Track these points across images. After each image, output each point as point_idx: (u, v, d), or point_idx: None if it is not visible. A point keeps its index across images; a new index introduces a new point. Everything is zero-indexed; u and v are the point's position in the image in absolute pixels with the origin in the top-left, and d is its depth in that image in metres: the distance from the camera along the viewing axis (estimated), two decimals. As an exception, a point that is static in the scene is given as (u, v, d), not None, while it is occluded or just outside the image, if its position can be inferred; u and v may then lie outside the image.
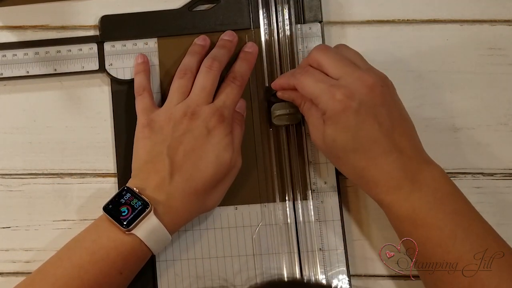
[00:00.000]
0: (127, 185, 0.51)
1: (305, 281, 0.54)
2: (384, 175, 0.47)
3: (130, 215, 0.49)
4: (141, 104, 0.55)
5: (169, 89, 0.55)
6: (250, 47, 0.57)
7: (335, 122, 0.48)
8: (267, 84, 0.57)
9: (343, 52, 0.52)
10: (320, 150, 0.53)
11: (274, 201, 0.57)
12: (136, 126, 0.54)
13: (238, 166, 0.53)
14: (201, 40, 0.57)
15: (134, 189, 0.50)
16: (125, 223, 0.49)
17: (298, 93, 0.52)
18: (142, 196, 0.49)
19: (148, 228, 0.49)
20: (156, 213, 0.49)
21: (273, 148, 0.57)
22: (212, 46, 0.57)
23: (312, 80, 0.50)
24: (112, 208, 0.50)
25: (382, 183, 0.48)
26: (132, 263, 0.50)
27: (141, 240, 0.49)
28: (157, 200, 0.50)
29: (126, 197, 0.50)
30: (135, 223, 0.49)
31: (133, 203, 0.49)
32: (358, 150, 0.48)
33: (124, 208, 0.49)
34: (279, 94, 0.54)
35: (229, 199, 0.56)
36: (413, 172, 0.47)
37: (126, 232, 0.49)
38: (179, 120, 0.52)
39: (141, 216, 0.49)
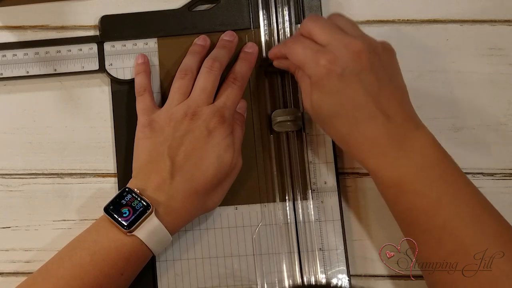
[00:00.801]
0: (128, 185, 0.51)
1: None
2: (368, 140, 0.47)
3: (131, 216, 0.49)
4: (141, 104, 0.55)
5: (169, 90, 0.55)
6: (250, 47, 0.57)
7: (319, 87, 0.48)
8: (264, 55, 0.57)
9: (335, 21, 0.52)
10: (311, 116, 0.52)
11: (274, 201, 0.57)
12: (137, 126, 0.54)
13: (239, 167, 0.53)
14: (201, 40, 0.57)
15: (135, 190, 0.50)
16: (126, 224, 0.49)
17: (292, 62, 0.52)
18: (143, 197, 0.49)
19: (149, 229, 0.49)
20: (157, 214, 0.49)
21: (273, 148, 0.57)
22: (212, 46, 0.57)
23: (300, 47, 0.50)
24: (113, 209, 0.50)
25: (366, 149, 0.48)
26: (133, 264, 0.50)
27: (142, 241, 0.49)
28: (158, 201, 0.50)
29: (127, 198, 0.50)
30: (136, 224, 0.49)
31: (134, 204, 0.49)
32: (341, 115, 0.48)
33: (125, 209, 0.49)
34: (275, 63, 0.55)
35: (229, 199, 0.56)
36: (401, 138, 0.47)
37: (127, 234, 0.49)
38: (179, 120, 0.52)
39: (142, 218, 0.49)
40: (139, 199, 0.49)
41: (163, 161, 0.51)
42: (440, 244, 0.46)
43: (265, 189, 0.57)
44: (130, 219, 0.49)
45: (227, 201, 0.55)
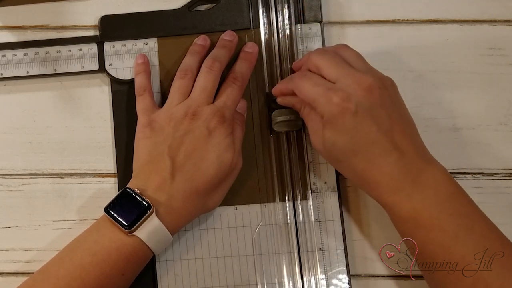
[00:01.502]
0: (128, 185, 0.51)
1: None
2: (385, 176, 0.47)
3: (132, 216, 0.49)
4: (141, 104, 0.55)
5: (169, 89, 0.55)
6: (250, 47, 0.57)
7: (333, 125, 0.48)
8: (267, 90, 0.57)
9: (341, 53, 0.51)
10: (321, 154, 0.52)
11: (274, 201, 0.57)
12: (137, 126, 0.54)
13: (239, 167, 0.53)
14: (201, 40, 0.57)
15: (136, 190, 0.50)
16: (127, 224, 0.49)
17: (298, 98, 0.52)
18: (144, 197, 0.49)
19: (149, 229, 0.49)
20: (157, 214, 0.49)
21: (273, 148, 0.57)
22: (212, 46, 0.57)
23: (309, 84, 0.50)
24: (114, 209, 0.50)
25: (383, 185, 0.48)
26: (134, 264, 0.50)
27: (143, 241, 0.49)
28: (158, 200, 0.50)
29: (127, 198, 0.50)
30: (137, 224, 0.49)
31: (134, 204, 0.49)
32: (357, 152, 0.48)
33: (125, 209, 0.49)
34: (279, 100, 0.55)
35: (229, 199, 0.56)
36: (415, 173, 0.47)
37: (128, 234, 0.49)
38: (180, 120, 0.52)
39: (143, 218, 0.49)
40: (139, 199, 0.49)
41: (163, 160, 0.51)
42: (458, 279, 0.46)
43: (265, 189, 0.57)
44: (131, 219, 0.49)
45: (227, 201, 0.55)
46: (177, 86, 0.54)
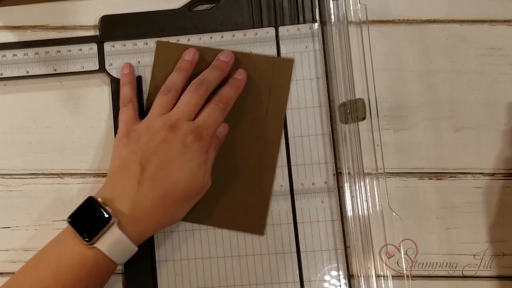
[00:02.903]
0: (93, 194, 0.50)
1: None
2: None
3: (92, 227, 0.48)
4: (124, 115, 0.54)
5: (155, 96, 0.55)
6: (240, 74, 0.56)
7: None
8: None
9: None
10: None
11: (274, 201, 0.57)
12: (116, 136, 0.54)
13: (208, 186, 0.53)
14: (189, 56, 0.56)
15: (99, 199, 0.49)
16: (87, 235, 0.48)
17: None
18: (106, 207, 0.48)
19: (110, 240, 0.48)
20: (120, 224, 0.48)
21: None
22: (208, 58, 0.57)
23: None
24: (76, 220, 0.49)
25: None
26: (97, 277, 0.49)
27: (104, 253, 0.48)
28: (122, 210, 0.49)
29: (89, 208, 0.49)
30: (97, 235, 0.47)
31: (96, 214, 0.48)
32: None
33: (87, 219, 0.48)
34: None
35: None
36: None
37: (89, 245, 0.48)
38: (157, 130, 0.51)
39: (104, 229, 0.47)
40: (101, 209, 0.48)
41: (134, 167, 0.50)
42: None
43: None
44: (91, 230, 0.48)
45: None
46: (160, 101, 0.54)
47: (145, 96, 0.57)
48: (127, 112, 0.55)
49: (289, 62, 0.57)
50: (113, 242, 0.48)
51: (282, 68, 0.57)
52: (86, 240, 0.48)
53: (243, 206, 0.56)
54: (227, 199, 0.56)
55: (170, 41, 0.58)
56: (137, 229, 0.49)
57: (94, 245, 0.48)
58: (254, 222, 0.56)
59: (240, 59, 0.57)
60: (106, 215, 0.48)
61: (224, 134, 0.56)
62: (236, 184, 0.56)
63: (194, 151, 0.50)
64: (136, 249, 0.49)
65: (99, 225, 0.47)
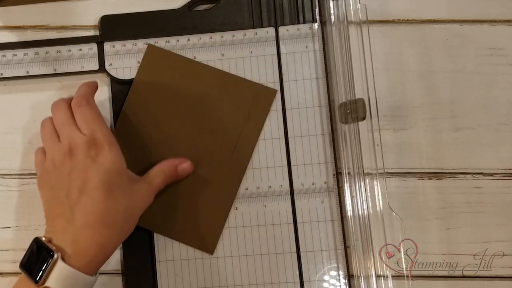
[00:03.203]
0: (37, 236, 0.49)
1: None
2: None
3: (40, 266, 0.47)
4: (35, 160, 0.56)
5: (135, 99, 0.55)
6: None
7: None
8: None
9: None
10: None
11: (274, 200, 0.57)
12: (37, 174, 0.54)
13: (148, 188, 0.53)
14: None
15: (43, 238, 0.48)
16: (36, 276, 0.47)
17: None
18: (47, 245, 0.48)
19: (59, 276, 0.47)
20: (65, 258, 0.47)
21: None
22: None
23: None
24: (26, 263, 0.48)
25: None
26: None
27: None
28: (65, 243, 0.48)
29: (36, 249, 0.48)
30: (44, 274, 0.47)
31: (41, 253, 0.47)
32: None
33: (34, 260, 0.48)
34: None
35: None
36: None
37: (41, 286, 0.47)
38: (62, 161, 0.51)
39: (49, 266, 0.47)
40: (44, 247, 0.48)
41: (62, 203, 0.49)
42: None
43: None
44: (39, 270, 0.47)
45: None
46: (43, 135, 0.54)
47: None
48: (36, 157, 0.55)
49: (272, 92, 0.57)
50: (63, 278, 0.47)
51: (264, 97, 0.57)
52: (36, 282, 0.47)
53: (198, 224, 0.56)
54: (185, 214, 0.56)
55: (168, 43, 0.58)
56: (85, 258, 0.48)
57: (45, 285, 0.47)
58: (206, 240, 0.56)
59: (224, 79, 0.57)
60: (49, 252, 0.47)
61: (185, 171, 0.55)
62: (196, 201, 0.56)
63: (103, 155, 0.50)
64: (92, 278, 0.48)
65: (44, 263, 0.47)
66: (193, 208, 0.56)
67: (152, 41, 0.58)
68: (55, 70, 0.58)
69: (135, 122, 0.56)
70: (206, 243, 0.56)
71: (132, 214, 0.51)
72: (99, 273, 0.50)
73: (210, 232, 0.56)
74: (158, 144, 0.56)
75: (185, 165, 0.55)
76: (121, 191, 0.50)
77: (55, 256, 0.47)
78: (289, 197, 0.57)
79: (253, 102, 0.57)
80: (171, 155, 0.56)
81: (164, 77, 0.57)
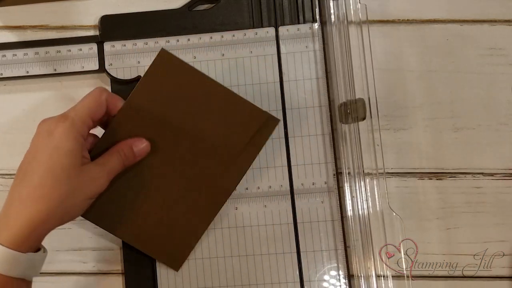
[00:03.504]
0: None
1: None
2: None
3: None
4: None
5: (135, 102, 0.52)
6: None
7: None
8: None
9: None
10: None
11: (275, 200, 0.57)
12: None
13: (100, 181, 0.49)
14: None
15: None
16: None
17: None
18: None
19: None
20: None
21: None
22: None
23: None
24: None
25: None
26: None
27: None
28: None
29: None
30: None
31: None
32: None
33: None
34: None
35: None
36: None
37: None
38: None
39: None
40: None
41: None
42: None
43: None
44: None
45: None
46: None
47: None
48: None
49: (276, 122, 0.55)
50: None
51: (269, 125, 0.55)
52: None
53: (169, 239, 0.55)
54: (158, 226, 0.54)
55: (168, 43, 0.58)
56: (9, 233, 0.45)
57: None
58: (174, 257, 0.55)
59: (232, 101, 0.53)
60: None
61: (142, 151, 0.52)
62: (172, 215, 0.54)
63: (60, 134, 0.47)
64: (26, 256, 0.45)
65: None
66: (167, 221, 0.54)
67: (152, 41, 0.58)
68: (55, 70, 0.58)
69: (131, 124, 0.52)
70: (174, 260, 0.55)
71: (75, 196, 0.47)
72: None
73: (180, 250, 0.55)
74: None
75: (142, 145, 0.52)
76: (65, 170, 0.46)
77: None
78: (289, 197, 0.57)
79: (258, 129, 0.54)
80: (159, 164, 0.53)
81: (171, 85, 0.52)
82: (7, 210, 0.46)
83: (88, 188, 0.48)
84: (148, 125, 0.52)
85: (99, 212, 0.52)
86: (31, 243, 0.46)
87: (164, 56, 0.51)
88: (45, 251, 0.49)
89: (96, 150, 0.51)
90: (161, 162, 0.53)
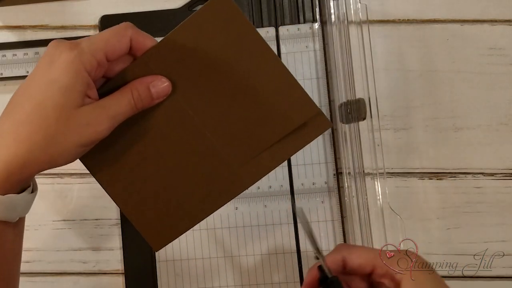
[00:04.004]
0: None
1: None
2: None
3: None
4: None
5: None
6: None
7: None
8: None
9: None
10: None
11: (275, 201, 0.57)
12: None
13: (99, 127, 0.40)
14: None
15: None
16: None
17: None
18: None
19: None
20: None
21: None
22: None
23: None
24: None
25: None
26: None
27: None
28: None
29: None
30: None
31: None
32: None
33: None
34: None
35: None
36: None
37: None
38: None
39: None
40: None
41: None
42: None
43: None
44: None
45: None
46: None
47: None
48: None
49: (327, 126, 0.45)
50: None
51: (316, 125, 0.45)
52: None
53: (161, 214, 0.46)
54: (154, 196, 0.45)
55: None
56: None
57: None
58: (158, 235, 0.46)
59: (283, 80, 0.44)
60: None
61: (162, 92, 0.43)
62: (172, 188, 0.45)
63: (61, 64, 0.39)
64: (6, 198, 0.40)
65: None
66: (165, 195, 0.45)
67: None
68: (55, 70, 0.58)
69: (158, 67, 0.44)
70: (157, 237, 0.46)
71: (63, 142, 0.40)
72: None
73: (167, 229, 0.46)
74: (172, 102, 0.44)
75: (162, 85, 0.43)
76: (56, 109, 0.39)
77: None
78: (289, 197, 0.57)
79: (300, 127, 0.44)
80: (176, 124, 0.44)
81: (219, 36, 0.43)
82: None
83: (81, 134, 0.40)
84: (178, 74, 0.43)
85: (97, 159, 0.45)
86: (10, 186, 0.40)
87: (222, 0, 0.42)
88: (34, 190, 0.43)
89: (106, 88, 0.43)
90: (179, 123, 0.44)
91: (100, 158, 0.45)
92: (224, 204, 0.45)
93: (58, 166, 0.41)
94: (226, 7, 0.42)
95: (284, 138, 0.44)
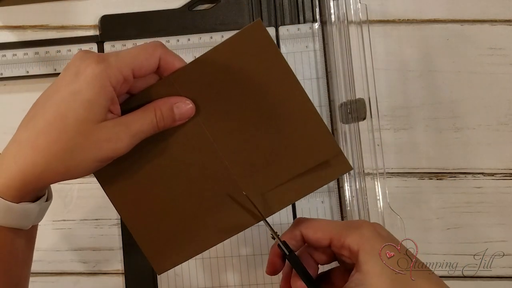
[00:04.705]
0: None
1: None
2: None
3: None
4: None
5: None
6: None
7: None
8: None
9: None
10: None
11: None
12: None
13: (119, 144, 0.40)
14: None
15: None
16: None
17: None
18: None
19: None
20: None
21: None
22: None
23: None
24: None
25: None
26: (5, 255, 0.41)
27: None
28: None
29: None
30: None
31: None
32: None
33: None
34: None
35: None
36: None
37: None
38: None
39: None
40: None
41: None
42: None
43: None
44: None
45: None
46: None
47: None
48: None
49: (347, 169, 0.44)
50: None
51: (335, 166, 0.44)
52: None
53: (168, 237, 0.44)
54: (163, 217, 0.44)
55: (168, 42, 0.58)
56: (1, 181, 0.40)
57: None
58: (162, 258, 0.44)
59: (307, 115, 0.43)
60: None
61: (185, 114, 0.42)
62: (183, 211, 0.44)
63: (87, 77, 0.38)
64: (15, 205, 0.40)
65: None
66: (175, 218, 0.44)
67: (151, 41, 0.58)
68: (55, 70, 0.58)
69: (183, 89, 0.42)
70: (161, 260, 0.44)
71: (81, 156, 0.39)
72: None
73: (173, 253, 0.44)
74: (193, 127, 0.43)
75: (186, 107, 0.42)
76: (77, 122, 0.38)
77: None
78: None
79: (317, 166, 0.43)
80: (196, 146, 0.43)
81: (249, 64, 0.42)
82: (4, 152, 0.40)
83: (100, 149, 0.39)
84: (202, 98, 0.42)
85: (109, 173, 0.43)
86: (25, 194, 0.40)
87: (257, 28, 0.42)
88: (48, 199, 0.43)
89: (129, 104, 0.42)
90: (197, 147, 0.43)
91: (112, 173, 0.43)
92: (235, 234, 0.44)
93: (73, 179, 0.40)
94: (261, 35, 0.42)
95: (302, 175, 0.43)
